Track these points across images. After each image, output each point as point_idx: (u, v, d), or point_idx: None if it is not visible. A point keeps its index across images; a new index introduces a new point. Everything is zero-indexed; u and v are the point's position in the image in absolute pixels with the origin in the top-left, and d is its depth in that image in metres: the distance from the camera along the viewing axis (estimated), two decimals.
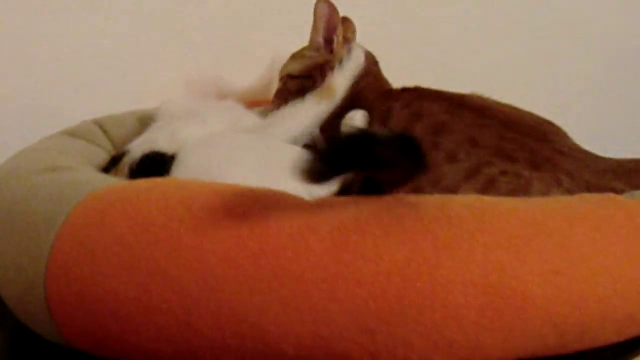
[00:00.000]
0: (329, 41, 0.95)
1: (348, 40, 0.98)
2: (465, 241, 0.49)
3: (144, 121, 0.96)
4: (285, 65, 1.02)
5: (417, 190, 0.66)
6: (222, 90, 1.15)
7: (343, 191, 0.59)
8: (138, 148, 0.74)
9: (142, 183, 0.56)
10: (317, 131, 0.93)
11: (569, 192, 0.66)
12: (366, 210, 0.51)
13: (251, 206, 0.50)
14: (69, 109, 1.06)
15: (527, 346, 0.51)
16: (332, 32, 0.94)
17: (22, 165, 0.67)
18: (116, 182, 0.58)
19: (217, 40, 1.19)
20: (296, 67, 0.98)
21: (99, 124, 0.92)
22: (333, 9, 0.93)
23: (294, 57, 1.01)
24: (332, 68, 0.93)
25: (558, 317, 0.50)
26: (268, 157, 0.72)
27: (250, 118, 0.92)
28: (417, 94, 0.83)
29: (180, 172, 0.69)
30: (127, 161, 0.73)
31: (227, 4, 1.20)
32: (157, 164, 0.70)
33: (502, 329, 0.49)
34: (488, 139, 0.73)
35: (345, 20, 1.02)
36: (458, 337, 0.48)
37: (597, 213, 0.55)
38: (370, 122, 0.84)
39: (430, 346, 0.48)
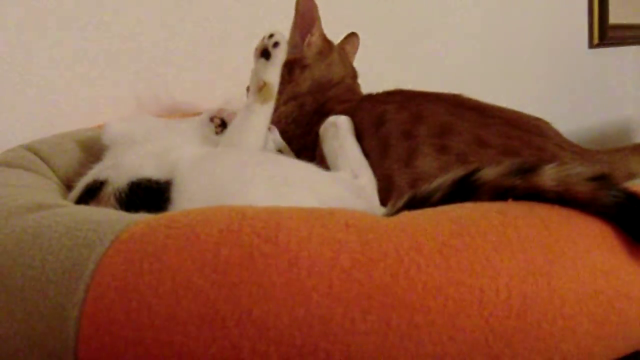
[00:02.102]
0: (304, 39, 0.89)
1: (345, 52, 0.94)
2: (569, 247, 0.46)
3: (86, 145, 0.83)
4: None
5: None
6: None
7: (413, 203, 0.54)
8: (118, 176, 0.63)
9: (186, 214, 0.46)
10: (281, 140, 0.87)
11: None
12: (461, 222, 0.46)
13: (345, 232, 0.43)
14: None
15: (621, 349, 0.49)
16: (308, 31, 0.88)
17: None
18: (143, 218, 0.47)
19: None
20: None
21: (34, 150, 0.77)
22: (311, 7, 0.87)
23: None
24: (301, 67, 0.87)
25: None
26: (278, 172, 0.64)
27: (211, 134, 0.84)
28: (407, 95, 0.80)
29: (184, 197, 0.59)
30: (110, 192, 0.61)
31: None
32: (152, 192, 0.60)
33: (609, 334, 0.47)
34: (495, 138, 0.71)
35: (352, 35, 0.98)
36: (572, 348, 0.45)
37: None
38: (359, 127, 0.79)
39: None
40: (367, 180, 0.69)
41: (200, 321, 0.40)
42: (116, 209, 0.59)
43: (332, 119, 0.79)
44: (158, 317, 0.41)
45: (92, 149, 0.81)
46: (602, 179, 0.49)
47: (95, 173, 0.67)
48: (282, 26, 0.91)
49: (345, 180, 0.67)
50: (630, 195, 0.48)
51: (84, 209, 0.52)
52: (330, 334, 0.40)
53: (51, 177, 0.74)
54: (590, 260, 0.46)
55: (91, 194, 0.62)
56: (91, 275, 0.43)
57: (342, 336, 0.40)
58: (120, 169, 0.64)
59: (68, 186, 0.73)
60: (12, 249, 0.46)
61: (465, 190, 0.52)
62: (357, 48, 1.05)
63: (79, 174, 0.72)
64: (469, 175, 0.52)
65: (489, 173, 0.52)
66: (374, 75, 0.99)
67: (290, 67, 0.88)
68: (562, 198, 0.49)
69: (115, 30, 1.01)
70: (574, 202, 0.49)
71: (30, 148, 0.77)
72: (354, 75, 0.96)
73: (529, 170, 0.51)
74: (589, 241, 0.47)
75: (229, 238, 0.42)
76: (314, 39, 0.89)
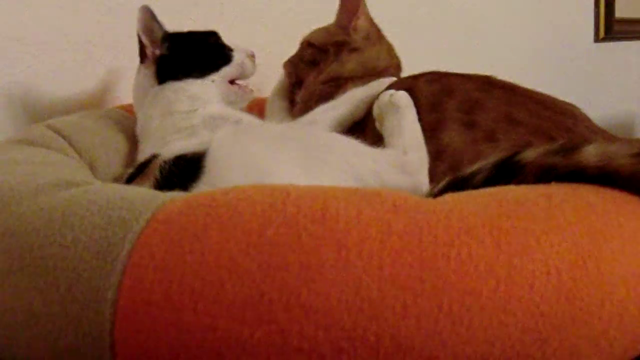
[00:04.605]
0: (349, 22, 0.88)
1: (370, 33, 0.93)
2: (615, 229, 0.45)
3: (106, 125, 0.82)
4: (310, 33, 0.96)
5: (457, 171, 0.61)
6: None
7: (454, 184, 0.52)
8: (169, 150, 0.66)
9: (225, 193, 0.44)
10: None
11: None
12: (508, 204, 0.45)
13: (394, 212, 0.42)
14: None
15: None
16: (353, 14, 0.87)
17: (8, 183, 0.52)
18: (178, 196, 0.46)
19: None
20: (318, 38, 0.93)
21: (55, 129, 0.75)
22: None
23: (320, 28, 0.96)
24: (349, 50, 0.86)
25: None
26: (311, 146, 0.63)
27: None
28: (438, 73, 0.79)
29: (216, 169, 0.59)
30: (157, 164, 0.63)
31: None
32: (191, 164, 0.61)
33: None
34: (525, 117, 0.70)
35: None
36: (618, 334, 0.44)
37: None
38: None
39: (593, 349, 0.44)
40: (416, 157, 0.66)
41: (245, 304, 0.39)
42: (154, 181, 0.59)
43: (387, 93, 0.75)
44: (200, 299, 0.39)
45: (114, 129, 0.80)
46: None
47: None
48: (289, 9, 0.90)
49: (391, 155, 0.65)
50: None
51: (115, 187, 0.50)
52: (380, 318, 0.38)
53: (74, 156, 0.72)
54: (636, 243, 0.45)
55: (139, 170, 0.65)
56: (128, 255, 0.41)
57: (393, 320, 0.39)
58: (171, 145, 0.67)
59: (90, 165, 0.71)
60: (41, 227, 0.45)
61: (507, 171, 0.51)
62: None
63: (101, 153, 0.71)
64: (511, 157, 0.51)
65: (531, 154, 0.51)
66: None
67: (338, 48, 0.88)
68: (604, 173, 0.48)
69: (128, 14, 0.99)
70: (616, 177, 0.48)
71: (51, 127, 0.75)
72: (398, 66, 0.95)
73: (570, 149, 0.50)
74: (635, 224, 0.46)
75: (273, 218, 0.41)
76: (360, 22, 0.88)
